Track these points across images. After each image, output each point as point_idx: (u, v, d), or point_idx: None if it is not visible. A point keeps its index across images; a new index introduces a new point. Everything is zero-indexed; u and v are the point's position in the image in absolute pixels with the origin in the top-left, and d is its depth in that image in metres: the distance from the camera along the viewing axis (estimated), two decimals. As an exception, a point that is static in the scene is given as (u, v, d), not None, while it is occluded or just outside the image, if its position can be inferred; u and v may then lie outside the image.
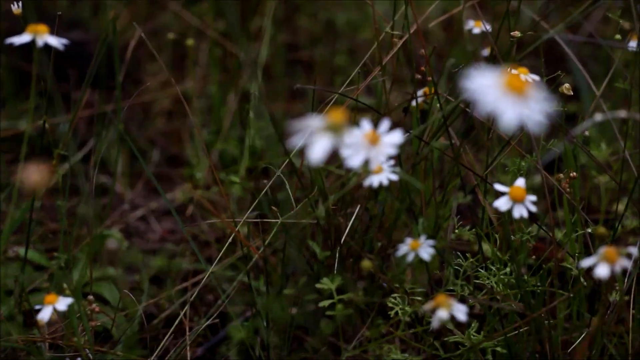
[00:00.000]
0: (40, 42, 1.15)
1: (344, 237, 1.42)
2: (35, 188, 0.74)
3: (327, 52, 2.45)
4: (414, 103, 1.45)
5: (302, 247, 1.35)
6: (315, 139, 0.80)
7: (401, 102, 1.53)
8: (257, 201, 1.41)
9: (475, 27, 1.56)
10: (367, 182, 1.12)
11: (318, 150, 0.79)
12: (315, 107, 1.88)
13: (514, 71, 1.35)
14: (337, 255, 1.45)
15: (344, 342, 1.52)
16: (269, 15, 2.01)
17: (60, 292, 1.30)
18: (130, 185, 2.00)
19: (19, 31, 2.23)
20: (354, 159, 0.86)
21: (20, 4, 1.41)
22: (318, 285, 1.41)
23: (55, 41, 1.16)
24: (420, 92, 1.48)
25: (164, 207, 1.93)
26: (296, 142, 0.80)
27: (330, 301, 1.41)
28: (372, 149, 0.88)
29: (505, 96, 0.69)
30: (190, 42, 1.77)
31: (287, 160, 1.40)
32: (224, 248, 1.44)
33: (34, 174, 0.75)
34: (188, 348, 1.46)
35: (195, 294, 1.47)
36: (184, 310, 1.49)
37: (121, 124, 1.62)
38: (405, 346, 1.49)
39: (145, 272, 1.67)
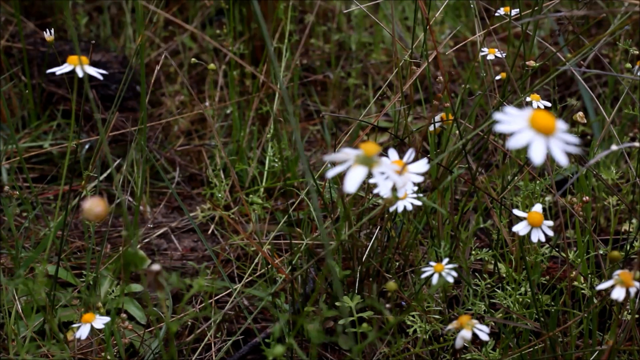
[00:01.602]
0: (80, 72, 1.18)
1: (364, 257, 1.47)
2: (98, 219, 0.80)
3: (340, 74, 2.51)
4: (431, 128, 1.50)
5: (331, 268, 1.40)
6: (350, 169, 0.85)
7: (419, 127, 1.59)
8: (283, 221, 1.45)
9: (490, 53, 1.61)
10: (392, 208, 1.17)
11: (353, 180, 0.84)
12: (331, 129, 1.93)
13: (528, 99, 1.41)
14: (357, 274, 1.50)
15: (363, 358, 1.57)
16: (286, 38, 2.06)
17: (88, 309, 1.35)
18: (151, 204, 2.05)
19: (41, 52, 2.29)
20: (383, 187, 0.91)
21: (52, 30, 1.46)
22: (338, 304, 1.46)
23: (93, 71, 1.20)
24: (437, 117, 1.53)
25: (184, 226, 1.98)
26: (332, 173, 0.86)
27: (350, 319, 1.46)
28: (400, 178, 0.93)
29: (533, 131, 0.75)
30: (212, 66, 1.82)
31: (311, 181, 1.45)
32: (250, 268, 1.49)
33: (95, 207, 0.80)
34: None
35: (223, 313, 1.52)
36: (211, 328, 1.54)
37: (145, 145, 1.67)
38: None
39: (168, 289, 1.72)
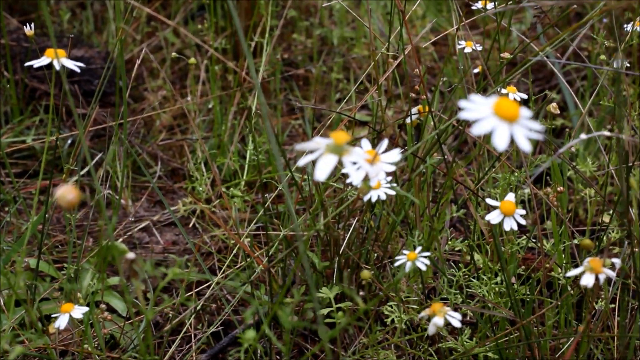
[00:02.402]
0: (57, 65, 1.19)
1: (342, 249, 1.48)
2: (70, 206, 0.81)
3: (322, 68, 2.52)
4: (408, 120, 1.52)
5: (302, 258, 1.41)
6: (320, 158, 0.86)
7: (396, 119, 1.60)
8: (260, 214, 1.47)
9: (467, 46, 1.62)
10: (366, 197, 1.18)
11: (323, 168, 0.85)
12: (313, 123, 1.95)
13: (503, 91, 1.42)
14: (335, 265, 1.52)
15: (342, 348, 1.58)
16: (267, 33, 2.07)
17: (70, 302, 1.36)
18: (133, 198, 2.06)
19: (24, 48, 2.30)
20: (355, 176, 0.92)
21: (32, 25, 1.46)
22: (317, 294, 1.48)
23: (71, 64, 1.21)
24: (414, 110, 1.54)
25: (166, 219, 1.99)
26: (303, 162, 0.87)
27: (328, 309, 1.48)
28: (372, 167, 0.95)
29: (497, 118, 0.76)
30: (192, 60, 1.83)
31: (288, 174, 1.46)
32: (229, 260, 1.50)
33: (67, 194, 0.81)
34: (194, 355, 1.52)
35: (201, 303, 1.54)
36: (190, 319, 1.56)
37: (126, 139, 1.68)
38: (401, 352, 1.55)
39: (150, 282, 1.73)
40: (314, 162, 0.88)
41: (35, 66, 1.20)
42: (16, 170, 2.12)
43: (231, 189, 1.86)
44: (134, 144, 2.14)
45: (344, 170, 0.92)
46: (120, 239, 1.89)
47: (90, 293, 1.67)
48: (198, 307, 1.54)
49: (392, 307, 1.45)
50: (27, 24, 1.46)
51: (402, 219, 1.60)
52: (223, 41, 2.32)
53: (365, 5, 2.61)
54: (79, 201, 0.83)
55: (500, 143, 0.75)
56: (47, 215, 1.57)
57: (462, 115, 0.76)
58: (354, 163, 0.91)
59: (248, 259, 1.52)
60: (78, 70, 1.20)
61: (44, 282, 1.74)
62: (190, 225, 1.94)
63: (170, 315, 1.67)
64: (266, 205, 1.49)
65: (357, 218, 1.53)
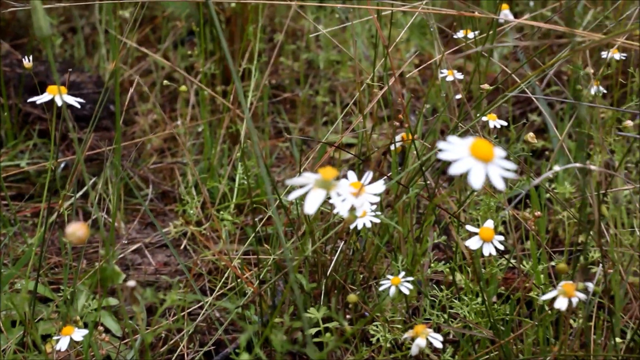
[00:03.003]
0: (59, 101, 1.25)
1: (329, 271, 1.54)
2: (80, 242, 0.87)
3: (309, 92, 2.58)
4: (392, 147, 1.58)
5: (292, 282, 1.47)
6: (310, 193, 0.93)
7: (382, 146, 1.67)
8: (251, 237, 1.53)
9: (449, 75, 1.69)
10: (352, 225, 1.24)
11: (312, 202, 0.92)
12: (300, 146, 2.01)
13: (492, 123, 1.49)
14: (323, 287, 1.58)
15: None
16: (255, 59, 2.14)
17: (66, 323, 1.42)
18: (125, 221, 2.12)
19: (17, 74, 2.35)
20: (342, 207, 0.99)
21: (30, 57, 1.52)
22: (305, 315, 1.54)
23: (72, 100, 1.27)
24: (398, 137, 1.61)
25: (157, 241, 2.05)
26: (293, 196, 0.93)
27: (316, 329, 1.54)
28: (358, 199, 1.01)
29: (473, 159, 0.83)
30: (183, 88, 1.89)
31: (278, 200, 1.52)
32: (221, 282, 1.55)
33: (78, 230, 0.88)
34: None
35: (195, 325, 1.59)
36: (184, 340, 1.61)
37: (119, 164, 1.73)
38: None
39: (143, 303, 1.79)
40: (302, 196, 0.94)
41: (37, 102, 1.26)
42: (10, 193, 2.17)
43: (221, 211, 1.92)
44: (126, 168, 2.20)
45: (330, 201, 0.98)
46: (114, 261, 1.95)
47: (86, 314, 1.73)
48: (191, 329, 1.60)
49: (377, 327, 1.51)
50: (26, 57, 1.52)
51: (387, 241, 1.66)
52: (212, 66, 2.38)
53: (351, 30, 2.68)
54: (88, 237, 0.89)
55: (475, 182, 0.81)
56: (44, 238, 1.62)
57: (440, 155, 0.83)
58: (339, 195, 0.97)
59: (238, 280, 1.58)
60: (79, 106, 1.25)
61: (41, 304, 1.79)
62: (182, 247, 1.99)
63: (163, 335, 1.73)
64: (257, 229, 1.55)
65: (344, 240, 1.59)
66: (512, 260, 1.58)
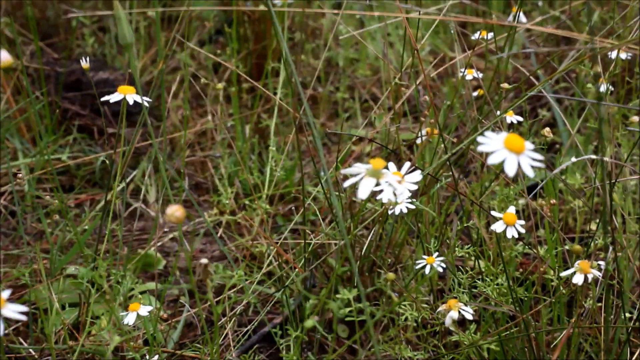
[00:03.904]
0: (130, 100, 1.38)
1: (362, 253, 1.68)
2: (178, 221, 1.01)
3: (329, 88, 2.72)
4: (418, 141, 1.72)
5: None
6: (362, 180, 1.07)
7: (406, 138, 1.80)
8: (293, 223, 1.67)
9: (468, 74, 1.82)
10: (391, 211, 1.38)
11: (365, 188, 1.06)
12: (322, 139, 2.14)
13: (509, 119, 1.63)
14: (356, 269, 1.72)
15: (360, 345, 1.78)
16: (283, 58, 2.27)
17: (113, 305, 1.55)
18: (161, 211, 2.26)
19: (55, 72, 2.49)
20: (387, 194, 1.13)
21: (87, 59, 1.65)
22: (338, 296, 1.68)
23: (138, 98, 1.39)
24: (423, 132, 1.75)
25: (193, 230, 2.19)
26: (347, 184, 1.07)
27: (348, 309, 1.68)
28: (400, 186, 1.15)
29: (507, 151, 0.97)
30: (219, 86, 2.03)
31: (318, 188, 1.65)
32: (265, 266, 1.69)
33: (176, 211, 1.01)
34: (234, 352, 1.72)
35: (242, 305, 1.73)
36: (232, 320, 1.76)
37: (158, 156, 1.87)
38: (411, 347, 1.75)
39: (185, 285, 1.93)
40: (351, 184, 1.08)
41: (111, 101, 1.39)
42: (52, 185, 2.31)
43: (256, 201, 2.06)
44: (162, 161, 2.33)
45: (376, 188, 1.11)
46: (153, 248, 2.09)
47: (127, 297, 1.86)
48: (238, 311, 1.74)
49: (405, 306, 1.65)
50: (84, 58, 1.65)
51: (410, 229, 1.80)
52: (239, 64, 2.52)
53: (367, 28, 2.82)
54: (184, 217, 1.02)
55: (510, 170, 0.95)
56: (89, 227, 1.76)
57: (480, 148, 0.97)
58: (386, 182, 1.11)
59: (277, 264, 1.72)
60: (147, 104, 1.38)
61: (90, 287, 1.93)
62: (218, 235, 2.13)
63: (204, 315, 1.86)
64: (301, 213, 1.69)
65: (372, 228, 1.73)
66: (527, 246, 1.72)
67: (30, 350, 1.72)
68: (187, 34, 2.65)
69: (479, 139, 0.98)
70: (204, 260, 1.10)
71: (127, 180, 2.23)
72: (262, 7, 2.48)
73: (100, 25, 2.98)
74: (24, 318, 1.01)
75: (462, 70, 1.82)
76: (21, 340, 1.78)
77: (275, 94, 2.34)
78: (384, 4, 2.78)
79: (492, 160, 0.96)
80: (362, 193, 1.05)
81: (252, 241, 1.91)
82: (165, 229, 2.16)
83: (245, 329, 1.78)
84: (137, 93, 1.42)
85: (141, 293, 1.90)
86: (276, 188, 2.19)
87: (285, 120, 2.55)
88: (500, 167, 1.58)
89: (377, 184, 1.09)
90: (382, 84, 2.74)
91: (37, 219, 2.18)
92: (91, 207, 2.24)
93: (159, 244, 2.13)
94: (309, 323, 1.09)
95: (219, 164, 2.33)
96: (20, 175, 1.67)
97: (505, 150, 0.98)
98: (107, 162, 1.67)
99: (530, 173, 0.97)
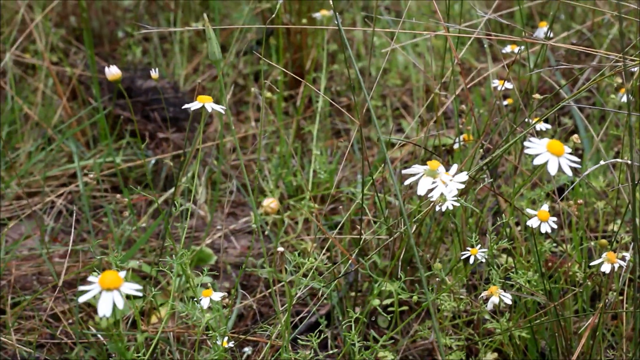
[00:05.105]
0: (209, 108, 1.52)
1: (404, 249, 1.84)
2: (273, 212, 1.17)
3: (362, 96, 2.88)
4: (456, 146, 1.88)
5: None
6: (421, 179, 1.23)
7: (443, 143, 1.96)
8: (342, 222, 1.83)
9: (499, 84, 1.97)
10: (438, 208, 1.54)
11: (424, 186, 1.22)
12: (360, 143, 2.30)
13: (539, 126, 1.78)
14: (398, 264, 1.87)
15: (401, 335, 1.94)
16: (324, 69, 2.43)
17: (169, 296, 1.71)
18: (210, 210, 2.42)
19: (106, 80, 2.65)
20: (439, 191, 1.28)
21: (157, 70, 1.79)
22: (382, 288, 1.83)
23: (218, 107, 1.53)
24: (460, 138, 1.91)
25: (241, 229, 2.35)
26: (408, 182, 1.23)
27: (390, 300, 1.84)
28: (449, 185, 1.31)
29: (549, 153, 1.13)
30: (268, 95, 2.19)
31: (364, 189, 1.80)
32: (317, 261, 1.85)
33: (272, 203, 1.18)
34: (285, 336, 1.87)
35: (296, 297, 1.89)
36: (288, 311, 1.91)
37: (218, 162, 2.04)
38: (449, 335, 1.91)
39: (236, 279, 2.09)
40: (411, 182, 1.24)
41: (192, 109, 1.53)
42: (106, 187, 2.47)
43: (302, 202, 2.22)
44: (210, 164, 2.50)
45: (430, 186, 1.27)
46: (204, 244, 2.25)
47: (186, 289, 2.03)
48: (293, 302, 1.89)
49: (443, 298, 1.80)
50: (154, 69, 1.79)
51: (444, 227, 1.95)
52: (280, 73, 2.69)
53: (399, 40, 2.97)
54: (279, 208, 1.19)
55: (552, 170, 1.12)
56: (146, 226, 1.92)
57: (527, 151, 1.13)
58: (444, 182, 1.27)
59: (321, 258, 1.88)
60: (223, 112, 1.52)
61: (142, 280, 2.10)
62: (265, 233, 2.29)
63: (255, 307, 2.02)
64: (349, 214, 1.85)
65: (415, 226, 1.89)
66: (554, 244, 1.88)
67: (99, 335, 1.89)
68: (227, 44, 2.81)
69: (525, 143, 1.14)
70: (280, 249, 1.26)
71: (181, 181, 2.40)
72: (304, 22, 2.64)
73: (145, 36, 3.14)
74: (139, 295, 1.15)
75: (494, 81, 1.97)
76: (89, 326, 1.94)
77: (316, 101, 2.50)
78: (412, 15, 2.95)
79: (537, 162, 1.13)
80: (421, 190, 1.21)
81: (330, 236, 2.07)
82: (219, 227, 2.32)
83: (296, 319, 1.93)
84: (218, 103, 1.56)
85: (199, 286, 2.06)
86: (317, 190, 2.35)
87: (324, 126, 2.71)
88: (538, 170, 1.74)
89: (433, 182, 1.25)
90: (412, 93, 2.90)
91: (95, 218, 2.35)
92: (146, 207, 2.40)
93: (208, 241, 2.29)
94: (375, 302, 1.24)
95: (262, 166, 2.49)
96: (91, 175, 1.83)
97: (548, 153, 1.15)
98: (169, 163, 1.82)
99: (569, 173, 1.13)
